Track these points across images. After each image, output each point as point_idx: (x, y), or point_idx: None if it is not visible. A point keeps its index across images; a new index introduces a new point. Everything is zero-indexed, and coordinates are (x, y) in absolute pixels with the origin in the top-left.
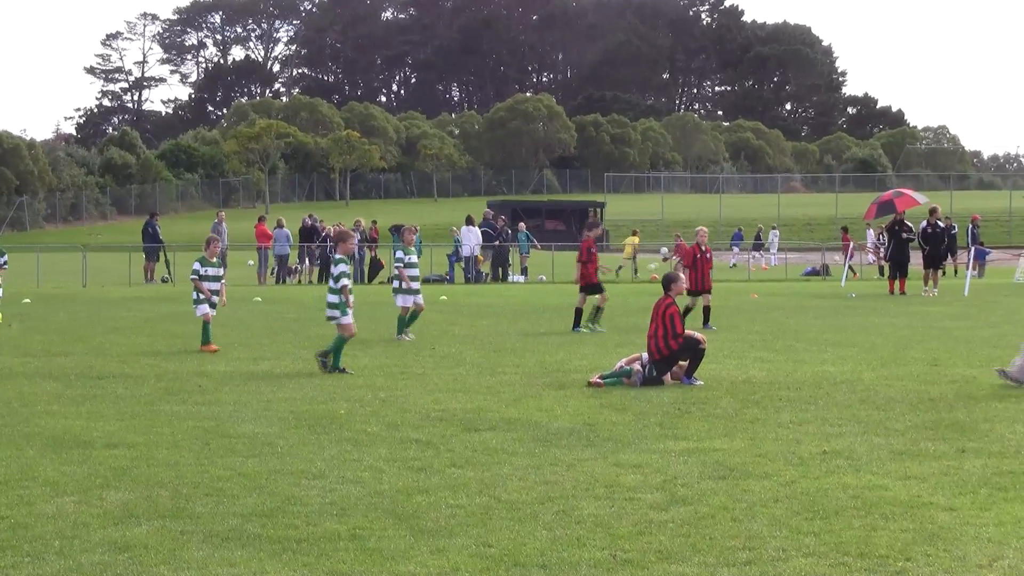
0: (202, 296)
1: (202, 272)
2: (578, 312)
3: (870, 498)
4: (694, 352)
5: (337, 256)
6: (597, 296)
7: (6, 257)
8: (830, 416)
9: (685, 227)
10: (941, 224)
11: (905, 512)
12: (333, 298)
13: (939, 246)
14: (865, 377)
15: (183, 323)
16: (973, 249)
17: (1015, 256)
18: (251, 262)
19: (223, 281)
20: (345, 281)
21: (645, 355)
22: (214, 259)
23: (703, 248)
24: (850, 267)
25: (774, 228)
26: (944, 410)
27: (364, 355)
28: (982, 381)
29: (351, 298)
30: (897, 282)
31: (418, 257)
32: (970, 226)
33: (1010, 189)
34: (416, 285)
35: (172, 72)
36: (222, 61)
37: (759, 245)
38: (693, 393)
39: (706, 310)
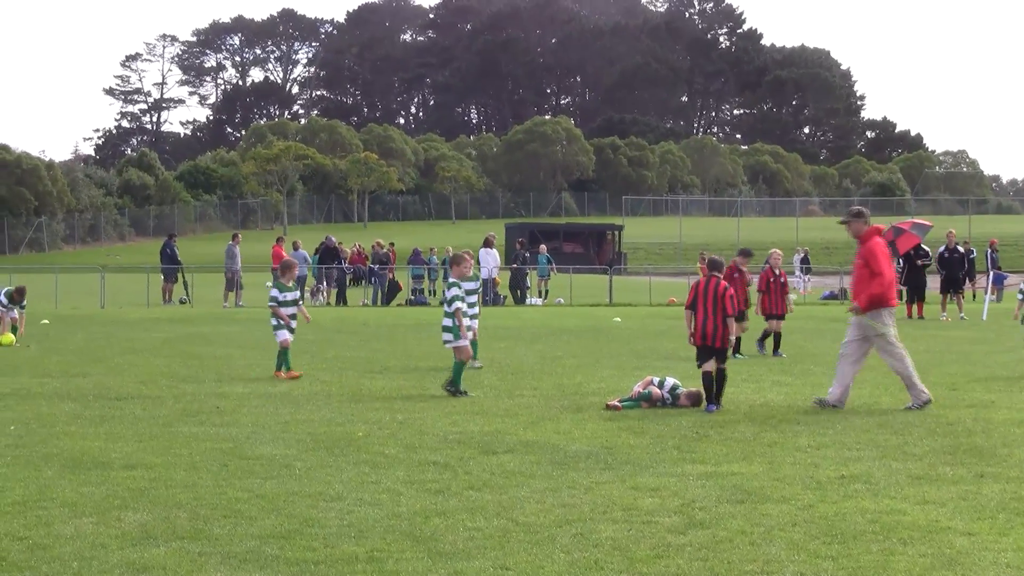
0: (281, 322)
1: (280, 298)
2: (776, 336)
3: (888, 522)
4: (720, 374)
5: (451, 280)
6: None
7: (24, 302)
8: (848, 440)
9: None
10: (961, 249)
11: (923, 537)
12: (447, 321)
13: (956, 270)
14: (883, 401)
15: (201, 344)
16: (992, 273)
17: None
18: (268, 284)
19: (300, 303)
20: (458, 304)
21: (656, 378)
22: (291, 283)
23: (776, 272)
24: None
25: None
26: (962, 435)
27: (382, 377)
28: (1000, 405)
29: (464, 321)
30: (915, 306)
31: (476, 283)
32: (988, 250)
33: None
34: (474, 311)
35: (191, 93)
36: (241, 83)
37: (807, 269)
38: (711, 417)
39: (776, 337)
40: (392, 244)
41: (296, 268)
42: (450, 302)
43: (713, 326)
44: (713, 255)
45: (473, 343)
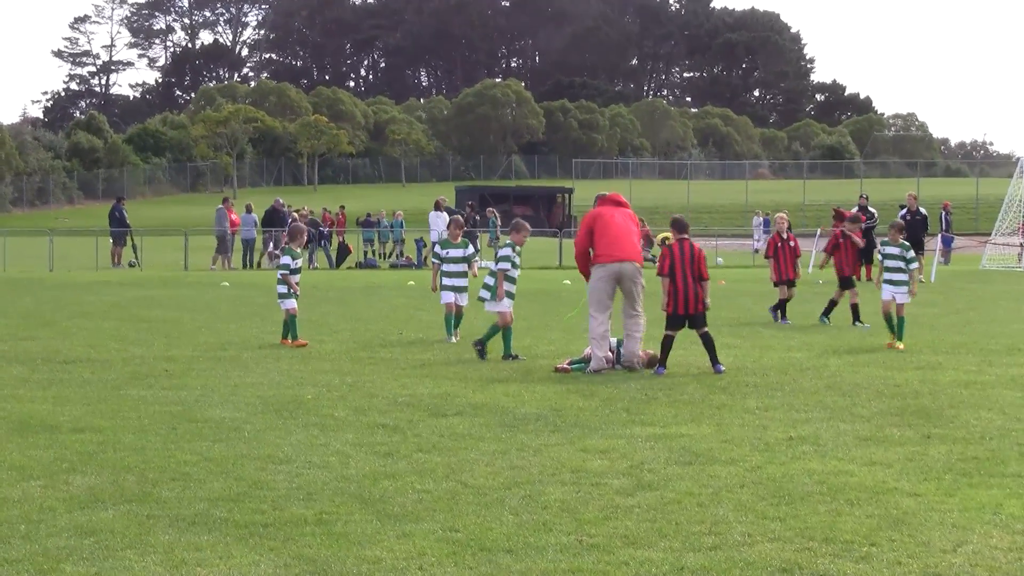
0: (290, 290)
1: (293, 265)
2: (840, 305)
3: (835, 484)
4: (707, 337)
5: (508, 241)
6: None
7: None
8: (796, 402)
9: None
10: (923, 211)
11: (870, 498)
12: (489, 280)
13: (918, 233)
14: (831, 363)
15: (150, 308)
16: (940, 236)
17: (981, 243)
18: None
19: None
20: (505, 265)
21: (614, 340)
22: (299, 250)
23: (784, 236)
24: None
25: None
26: (910, 396)
27: (331, 340)
28: (947, 367)
29: (504, 285)
30: (864, 269)
31: (463, 251)
32: (943, 213)
33: (977, 176)
34: (461, 282)
35: (140, 56)
36: (190, 45)
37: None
38: (659, 379)
39: (783, 302)
40: (342, 207)
41: (305, 233)
42: (499, 260)
43: (694, 292)
44: (678, 215)
45: (457, 318)
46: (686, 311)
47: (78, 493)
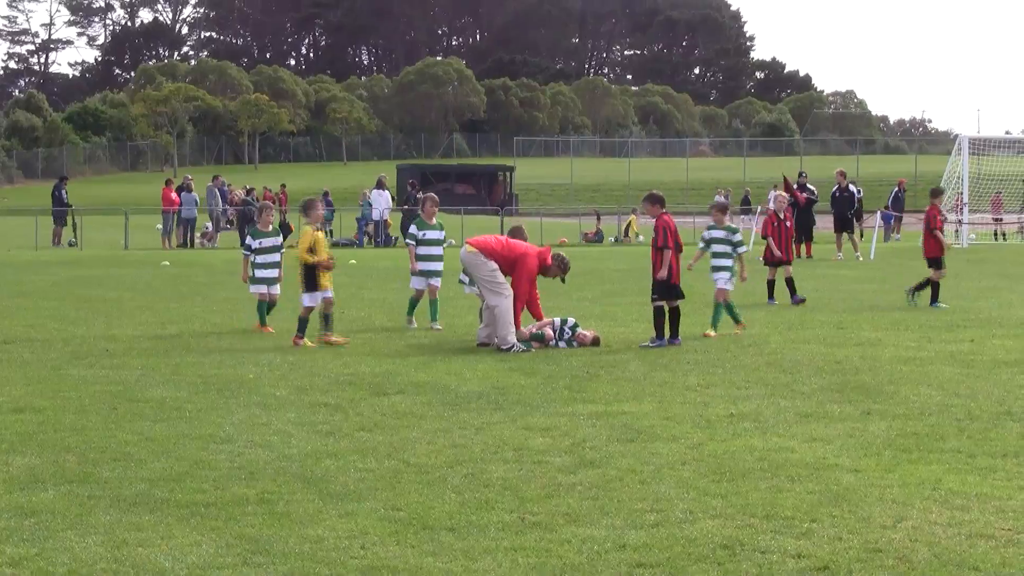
0: (252, 274)
1: (254, 245)
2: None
3: (776, 460)
4: (677, 312)
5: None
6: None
7: None
8: (737, 379)
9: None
10: (852, 188)
11: (811, 474)
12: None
13: (844, 209)
14: (772, 340)
15: (91, 287)
16: (879, 212)
17: (920, 220)
18: (158, 226)
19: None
20: (409, 241)
21: (557, 320)
22: (266, 229)
23: (781, 216)
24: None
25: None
26: (850, 373)
27: (272, 319)
28: (887, 343)
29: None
30: (804, 246)
31: (440, 233)
32: (895, 189)
33: (916, 154)
34: (437, 266)
35: (79, 34)
36: (130, 23)
37: (747, 210)
38: (601, 357)
39: (789, 282)
40: (283, 186)
41: (268, 211)
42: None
43: (679, 265)
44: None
45: (433, 302)
46: (677, 281)
47: (18, 474)
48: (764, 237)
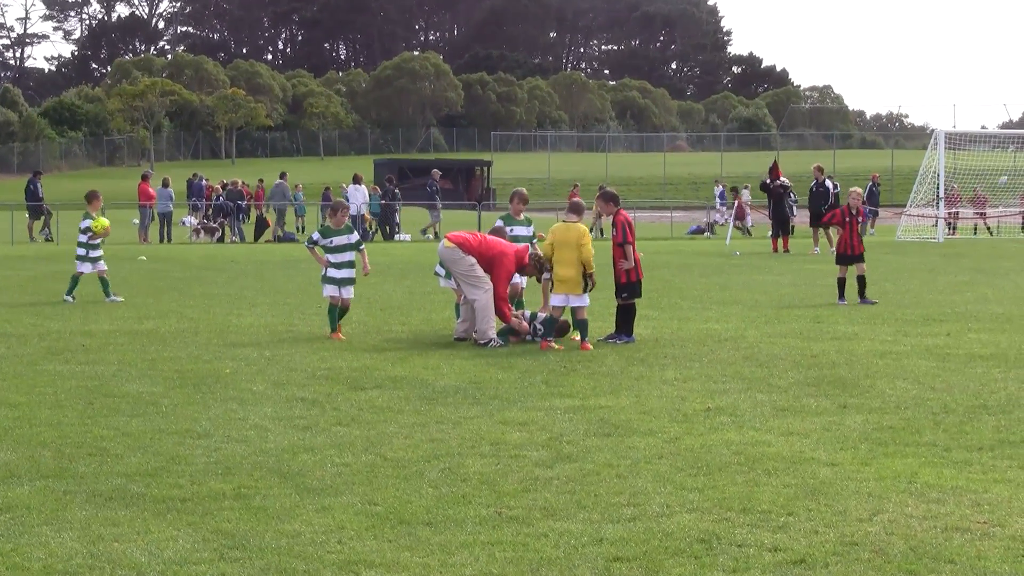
0: (325, 270)
1: (321, 242)
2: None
3: (753, 454)
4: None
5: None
6: None
7: None
8: (714, 373)
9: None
10: (829, 184)
11: (787, 468)
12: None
13: (818, 204)
14: (749, 334)
15: (66, 282)
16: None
17: (896, 215)
18: (134, 220)
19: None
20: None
21: (528, 312)
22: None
23: (854, 211)
24: (736, 227)
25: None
26: (826, 367)
27: (250, 314)
28: (863, 337)
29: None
30: (780, 240)
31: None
32: (870, 184)
33: (892, 148)
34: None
35: (55, 29)
36: (106, 18)
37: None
38: (578, 351)
39: (860, 280)
40: (261, 180)
41: (342, 210)
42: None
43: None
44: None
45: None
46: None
47: None
48: (837, 225)
